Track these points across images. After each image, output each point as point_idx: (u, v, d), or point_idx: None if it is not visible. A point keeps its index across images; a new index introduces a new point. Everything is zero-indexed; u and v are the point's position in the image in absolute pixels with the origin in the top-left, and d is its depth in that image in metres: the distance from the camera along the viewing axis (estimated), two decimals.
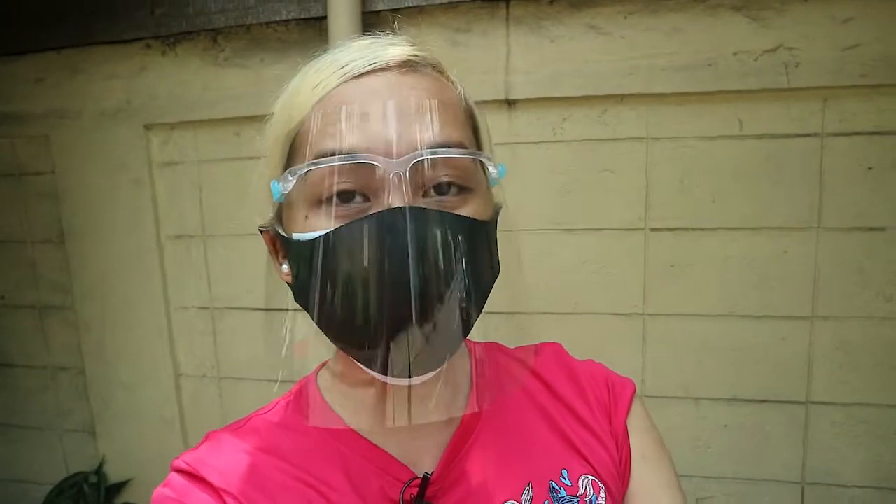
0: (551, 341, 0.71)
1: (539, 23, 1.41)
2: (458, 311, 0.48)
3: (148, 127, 1.69)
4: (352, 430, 0.58)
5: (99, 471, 1.91)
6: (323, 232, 0.48)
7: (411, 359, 0.47)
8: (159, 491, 0.55)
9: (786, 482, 1.48)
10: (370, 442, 0.57)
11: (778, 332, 1.43)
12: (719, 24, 1.33)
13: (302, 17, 1.51)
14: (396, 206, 0.46)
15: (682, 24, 1.35)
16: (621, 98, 1.41)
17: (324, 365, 0.64)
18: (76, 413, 1.94)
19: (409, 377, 0.48)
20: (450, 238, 0.47)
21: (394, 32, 0.57)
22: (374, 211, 0.47)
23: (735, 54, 1.33)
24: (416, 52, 0.53)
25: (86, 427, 1.94)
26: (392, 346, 0.47)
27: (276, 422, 0.60)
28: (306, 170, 0.49)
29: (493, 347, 0.69)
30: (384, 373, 0.49)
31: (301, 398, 0.62)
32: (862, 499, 1.45)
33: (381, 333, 0.46)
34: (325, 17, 1.45)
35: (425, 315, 0.46)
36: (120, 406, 1.87)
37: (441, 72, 0.55)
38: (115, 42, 1.63)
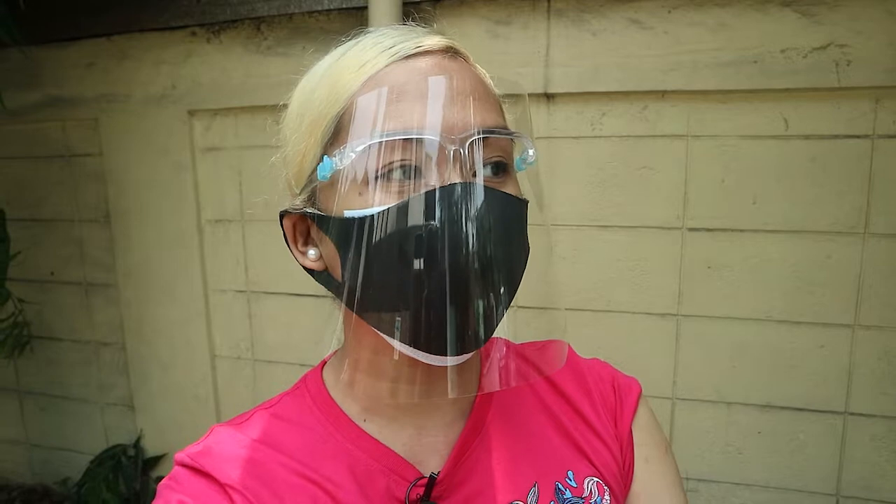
0: (558, 339, 0.70)
1: (580, 16, 1.39)
2: (506, 286, 0.49)
3: (191, 112, 1.73)
4: (358, 428, 0.57)
5: (137, 444, 1.98)
6: (383, 207, 0.48)
7: (468, 335, 0.47)
8: (164, 484, 0.54)
9: (820, 494, 1.44)
10: (376, 440, 0.56)
11: (817, 339, 1.39)
12: (767, 19, 1.29)
13: (343, 6, 1.52)
14: (456, 181, 0.47)
15: (727, 20, 1.31)
16: (662, 94, 1.38)
17: (329, 359, 0.63)
18: (117, 388, 2.02)
19: (460, 354, 0.48)
20: (506, 216, 0.49)
21: (423, 24, 0.57)
22: (437, 186, 0.47)
23: (783, 51, 1.29)
24: (453, 41, 0.54)
25: (125, 402, 2.01)
26: (444, 322, 0.47)
27: (281, 417, 0.59)
28: (366, 144, 0.48)
29: (498, 342, 0.68)
30: (429, 350, 0.49)
31: (306, 393, 0.61)
32: None
33: (435, 311, 0.46)
34: (365, 7, 1.45)
35: (488, 290, 0.47)
36: (157, 383, 1.93)
37: (473, 64, 0.56)
38: (162, 29, 1.68)
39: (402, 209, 0.47)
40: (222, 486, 0.53)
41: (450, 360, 0.49)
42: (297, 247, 0.57)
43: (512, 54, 1.44)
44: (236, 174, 1.74)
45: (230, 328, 1.84)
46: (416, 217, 0.47)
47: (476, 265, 0.46)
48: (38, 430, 2.17)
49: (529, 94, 1.43)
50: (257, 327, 1.81)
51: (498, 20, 1.44)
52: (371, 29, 0.55)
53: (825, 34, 1.26)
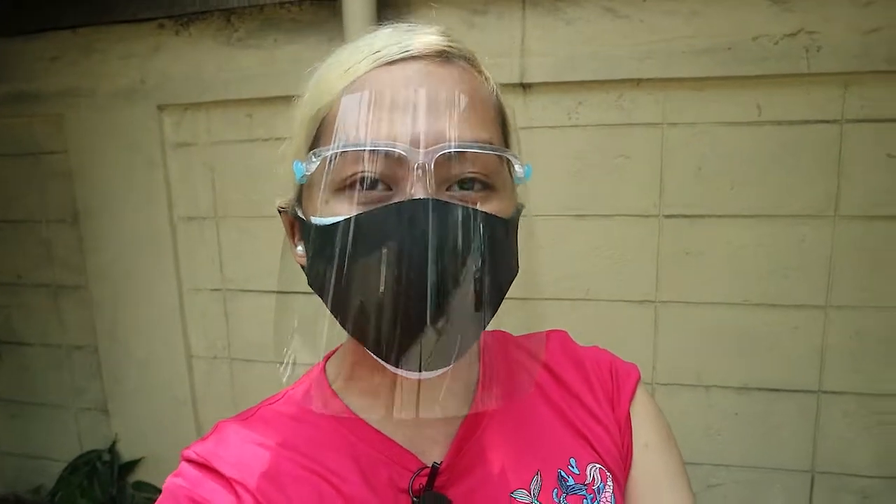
0: (557, 329, 0.71)
1: (555, 4, 1.40)
2: (474, 309, 0.47)
3: (161, 107, 1.69)
4: (361, 420, 0.57)
5: (112, 449, 1.94)
6: (342, 218, 0.47)
7: (424, 354, 0.46)
8: (171, 481, 0.55)
9: (796, 471, 1.48)
10: (379, 432, 0.57)
11: (791, 321, 1.42)
12: (740, 7, 1.31)
13: None
14: (419, 197, 0.46)
15: (701, 8, 1.33)
16: (638, 82, 1.40)
17: (333, 353, 0.63)
18: (90, 392, 1.97)
19: (421, 371, 0.48)
20: (470, 233, 0.47)
21: (426, 20, 0.56)
22: (396, 201, 0.46)
23: (755, 38, 1.31)
24: (450, 44, 0.52)
25: (99, 406, 1.97)
26: (404, 339, 0.46)
27: (286, 412, 0.59)
28: (330, 153, 0.48)
29: (502, 338, 0.67)
30: (396, 365, 0.48)
31: (310, 388, 0.61)
32: (872, 489, 1.45)
33: (395, 325, 0.46)
34: None
35: (441, 310, 0.45)
36: (133, 385, 1.89)
37: (475, 66, 0.54)
38: (130, 21, 1.63)
39: (357, 222, 0.47)
40: (228, 481, 0.53)
41: (413, 375, 0.48)
42: (293, 241, 0.57)
43: (488, 44, 1.44)
44: (209, 170, 1.71)
45: (206, 327, 1.81)
46: (368, 231, 0.46)
47: (423, 282, 0.44)
48: (9, 437, 2.11)
49: (505, 85, 1.44)
50: (234, 326, 1.78)
51: (474, 10, 1.44)
52: (375, 27, 0.54)
53: (795, 21, 1.29)
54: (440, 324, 0.45)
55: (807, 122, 1.34)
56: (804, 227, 1.38)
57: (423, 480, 0.54)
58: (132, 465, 1.93)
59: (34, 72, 1.76)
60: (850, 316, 1.39)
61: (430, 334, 0.46)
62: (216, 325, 1.80)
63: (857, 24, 1.27)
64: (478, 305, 0.48)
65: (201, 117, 1.69)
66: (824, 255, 1.38)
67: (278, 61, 1.57)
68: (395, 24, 0.54)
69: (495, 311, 0.51)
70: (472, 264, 0.46)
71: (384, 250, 0.45)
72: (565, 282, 1.52)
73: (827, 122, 1.33)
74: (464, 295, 0.46)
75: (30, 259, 1.93)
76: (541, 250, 1.51)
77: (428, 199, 0.45)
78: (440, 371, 0.49)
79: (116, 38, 1.67)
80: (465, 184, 0.49)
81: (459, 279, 0.46)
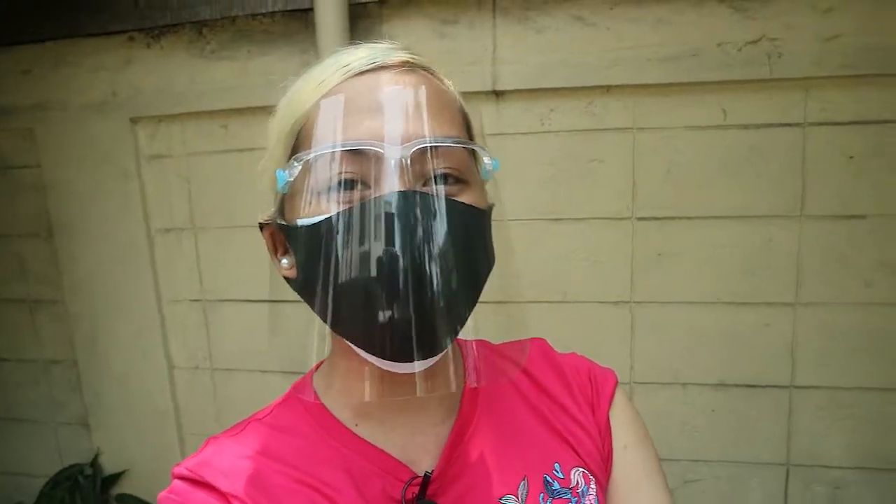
0: (536, 337, 0.73)
1: (525, 14, 1.41)
2: (457, 295, 0.49)
3: (134, 120, 1.68)
4: (350, 432, 0.59)
5: (94, 463, 1.92)
6: (329, 215, 0.49)
7: (413, 343, 0.48)
8: (164, 497, 0.55)
9: (771, 464, 1.52)
10: (369, 443, 0.58)
11: (763, 319, 1.46)
12: (704, 15, 1.34)
13: (288, 8, 1.50)
14: (399, 190, 0.48)
15: (667, 16, 1.35)
16: (608, 89, 1.42)
17: (318, 367, 0.64)
18: (69, 406, 1.95)
19: (411, 361, 0.49)
20: (450, 222, 0.49)
21: (390, 39, 0.59)
22: (377, 195, 0.49)
23: (719, 45, 1.34)
24: (414, 56, 0.56)
25: (80, 420, 1.95)
26: (393, 329, 0.48)
27: (275, 425, 0.60)
28: (312, 155, 0.50)
29: (481, 344, 0.70)
30: (384, 357, 0.50)
31: (297, 401, 0.62)
32: (844, 479, 1.49)
33: (382, 317, 0.48)
34: (311, 9, 1.44)
35: (426, 298, 0.47)
36: (113, 398, 1.88)
37: (436, 76, 0.57)
38: (100, 34, 1.62)
39: (341, 219, 0.49)
40: (224, 496, 0.54)
41: (403, 368, 0.50)
42: (276, 256, 0.59)
43: (459, 53, 1.45)
44: (185, 181, 1.70)
45: (187, 338, 1.80)
46: (353, 227, 0.48)
47: (410, 274, 0.46)
48: None
49: (478, 92, 1.46)
50: (215, 336, 1.78)
51: (444, 19, 1.45)
52: (338, 49, 0.57)
53: (757, 28, 1.32)
54: (434, 310, 0.48)
55: (770, 125, 1.37)
56: (772, 226, 1.41)
57: (416, 489, 0.56)
58: (115, 477, 1.91)
59: (3, 86, 1.74)
60: (818, 312, 1.43)
61: (425, 320, 0.48)
62: (197, 336, 1.79)
63: (817, 31, 1.30)
64: (465, 291, 0.51)
65: (175, 129, 1.68)
66: (792, 254, 1.42)
67: (251, 73, 1.57)
68: (361, 42, 0.57)
69: (475, 300, 0.54)
70: (452, 251, 0.49)
71: (375, 243, 0.47)
72: (542, 285, 1.53)
73: (790, 125, 1.36)
74: (453, 281, 0.48)
75: (2, 274, 1.91)
76: (517, 254, 1.53)
77: (407, 190, 0.48)
78: (430, 361, 0.50)
79: (87, 50, 1.65)
80: (439, 180, 0.51)
81: (440, 266, 0.48)
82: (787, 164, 1.38)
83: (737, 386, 1.50)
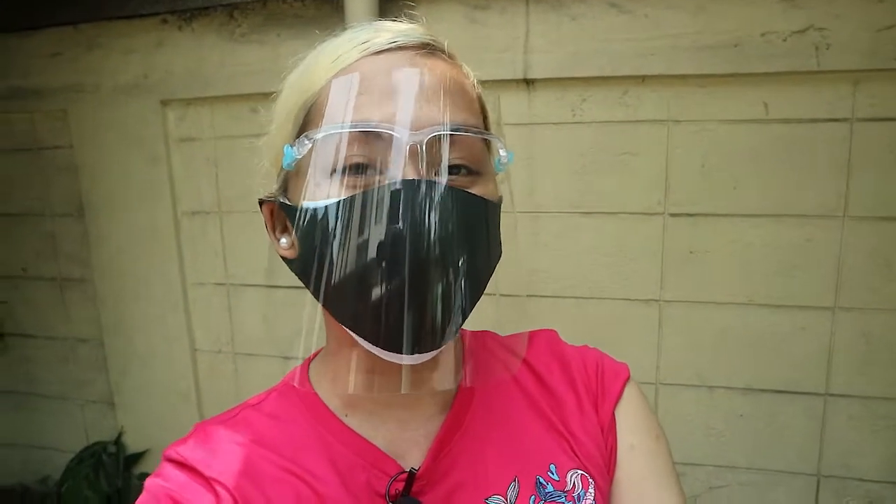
0: (546, 328, 0.70)
1: (559, 0, 1.38)
2: (464, 288, 0.48)
3: (164, 102, 1.69)
4: (340, 422, 0.57)
5: (118, 441, 1.96)
6: (337, 200, 0.48)
7: (416, 335, 0.47)
8: (151, 480, 0.55)
9: (801, 474, 1.46)
10: (358, 434, 0.57)
11: (798, 322, 1.40)
12: (747, 3, 1.28)
13: None
14: (411, 178, 0.46)
15: (706, 3, 1.30)
16: (642, 79, 1.38)
17: (315, 356, 0.64)
18: (96, 384, 1.98)
19: (412, 353, 0.48)
20: (461, 216, 0.47)
21: (410, 18, 0.56)
22: (388, 182, 0.47)
23: (763, 35, 1.28)
24: (434, 39, 0.54)
25: (105, 398, 1.98)
26: (397, 319, 0.46)
27: (267, 412, 0.60)
28: (323, 134, 0.48)
29: (484, 335, 0.67)
30: (385, 347, 0.48)
31: (291, 389, 0.61)
32: (878, 493, 1.43)
33: (386, 307, 0.46)
34: None
35: (432, 293, 0.46)
36: (137, 379, 1.90)
37: (455, 61, 0.55)
38: (132, 17, 1.63)
39: (350, 204, 0.47)
40: (208, 480, 0.53)
41: (406, 359, 0.48)
42: (274, 234, 0.58)
43: (491, 40, 1.42)
44: (212, 165, 1.71)
45: (210, 322, 1.81)
46: (363, 213, 0.46)
47: (419, 264, 0.45)
48: (15, 428, 2.13)
49: (509, 80, 1.42)
50: (237, 320, 1.79)
51: (476, 5, 1.42)
52: (356, 24, 0.55)
53: (804, 18, 1.26)
54: (439, 305, 0.46)
55: (815, 120, 1.31)
56: (812, 226, 1.36)
57: (401, 485, 0.54)
58: (137, 457, 1.95)
59: (35, 67, 1.76)
60: (858, 318, 1.37)
61: (430, 315, 0.46)
62: (220, 320, 1.80)
63: (868, 20, 1.23)
64: (471, 288, 0.49)
65: (205, 112, 1.69)
66: (833, 256, 1.36)
67: (281, 56, 1.56)
68: (378, 20, 0.55)
69: (481, 293, 0.52)
70: (463, 244, 0.47)
71: (383, 231, 0.46)
72: (569, 280, 1.50)
73: (836, 120, 1.30)
74: (454, 274, 0.47)
75: (34, 253, 1.95)
76: (545, 248, 1.50)
77: (422, 179, 0.46)
78: (431, 354, 0.49)
79: (118, 33, 1.67)
80: (452, 169, 0.50)
81: (450, 259, 0.46)
82: (831, 162, 1.32)
83: (766, 391, 1.45)
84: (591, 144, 1.44)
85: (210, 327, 1.82)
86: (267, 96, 1.76)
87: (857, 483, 1.44)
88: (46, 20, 1.69)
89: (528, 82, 1.43)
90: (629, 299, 1.49)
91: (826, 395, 1.42)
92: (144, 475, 1.93)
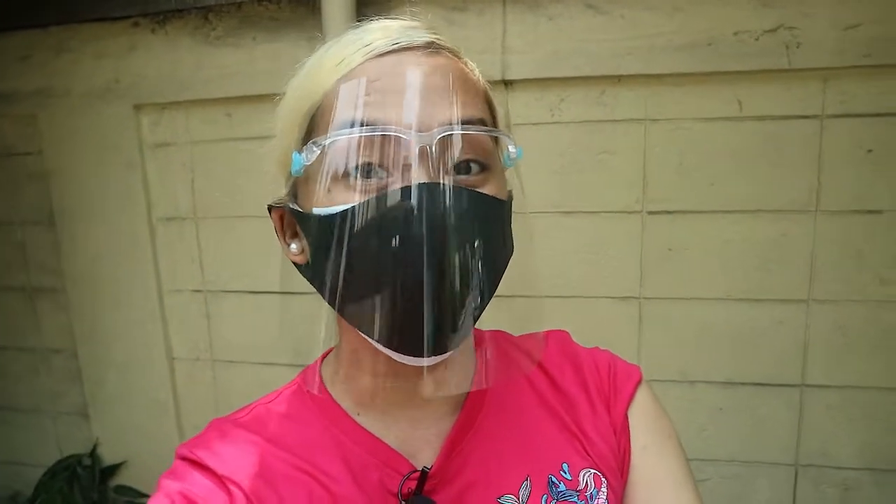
0: (558, 329, 0.70)
1: (536, 1, 1.39)
2: (480, 290, 0.48)
3: (138, 107, 1.66)
4: (352, 421, 0.58)
5: (93, 453, 1.91)
6: (349, 206, 0.47)
7: (434, 337, 0.47)
8: (164, 476, 0.55)
9: (780, 464, 1.49)
10: (371, 433, 0.57)
11: (775, 316, 1.43)
12: (720, 3, 1.31)
13: None
14: (424, 180, 0.46)
15: (681, 4, 1.32)
16: (619, 79, 1.39)
17: (327, 355, 0.63)
18: (69, 396, 1.93)
19: (431, 355, 0.48)
20: (475, 218, 0.48)
21: (412, 15, 0.56)
22: (400, 185, 0.46)
23: (735, 34, 1.31)
24: (439, 37, 0.54)
25: (79, 410, 1.93)
26: (415, 322, 0.46)
27: (280, 411, 0.60)
28: (331, 139, 0.48)
29: (498, 335, 0.67)
30: (402, 351, 0.48)
31: (304, 387, 0.61)
32: (855, 480, 1.46)
33: (407, 310, 0.46)
34: None
35: (453, 293, 0.46)
36: (113, 389, 1.86)
37: (459, 57, 0.55)
38: (103, 19, 1.59)
39: (362, 210, 0.47)
40: (220, 479, 0.53)
41: (425, 361, 0.48)
42: (284, 239, 0.57)
43: (468, 41, 1.42)
44: (188, 170, 1.68)
45: (187, 329, 1.78)
46: (376, 218, 0.46)
47: (436, 268, 0.45)
48: None
49: (487, 81, 1.43)
50: (215, 327, 1.76)
51: (453, 6, 1.43)
52: (358, 24, 0.55)
53: (775, 17, 1.29)
54: (450, 306, 0.46)
55: (787, 117, 1.34)
56: (786, 221, 1.38)
57: (413, 484, 0.54)
58: (114, 468, 1.90)
59: (4, 72, 1.71)
60: (832, 310, 1.40)
61: (439, 316, 0.46)
62: (197, 327, 1.77)
63: (837, 19, 1.27)
64: (483, 287, 0.49)
65: (179, 117, 1.66)
66: (806, 250, 1.39)
67: (257, 59, 1.55)
68: (379, 19, 0.55)
69: (494, 293, 0.52)
70: (480, 246, 0.48)
71: (397, 235, 0.45)
72: (551, 279, 1.51)
73: (807, 117, 1.33)
74: (475, 279, 0.47)
75: (4, 262, 1.89)
76: (526, 247, 1.50)
77: (438, 182, 0.46)
78: (446, 355, 0.49)
79: (89, 36, 1.63)
80: (463, 167, 0.50)
81: (471, 264, 0.47)
82: (804, 158, 1.35)
83: (746, 384, 1.48)
84: (569, 144, 1.45)
85: (187, 335, 1.78)
86: (242, 100, 1.74)
87: (835, 471, 1.47)
88: (14, 22, 1.64)
89: (507, 83, 1.44)
90: (609, 297, 1.50)
91: (803, 387, 1.45)
92: (122, 487, 1.89)
